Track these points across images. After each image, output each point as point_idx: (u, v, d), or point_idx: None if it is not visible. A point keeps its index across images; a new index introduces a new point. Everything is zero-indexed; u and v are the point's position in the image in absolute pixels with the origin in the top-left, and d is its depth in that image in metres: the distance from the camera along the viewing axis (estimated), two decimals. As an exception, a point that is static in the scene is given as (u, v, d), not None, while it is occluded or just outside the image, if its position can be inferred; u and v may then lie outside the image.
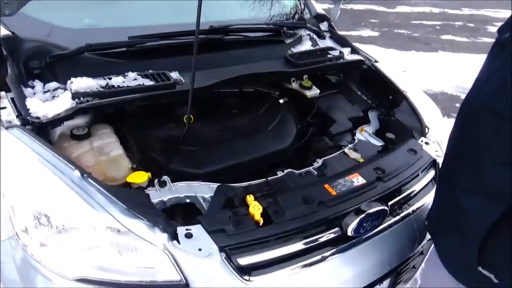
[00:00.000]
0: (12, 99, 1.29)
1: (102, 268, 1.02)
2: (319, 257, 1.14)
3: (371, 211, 1.19)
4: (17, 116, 1.23)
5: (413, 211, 1.36)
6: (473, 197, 0.94)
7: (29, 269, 1.02)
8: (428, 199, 1.40)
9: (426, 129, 1.60)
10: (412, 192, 1.39)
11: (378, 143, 1.63)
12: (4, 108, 1.26)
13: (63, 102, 1.26)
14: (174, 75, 1.45)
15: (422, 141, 1.55)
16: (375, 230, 1.26)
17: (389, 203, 1.28)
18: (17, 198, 1.05)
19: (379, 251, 1.25)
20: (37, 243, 1.03)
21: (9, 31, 1.37)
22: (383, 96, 1.84)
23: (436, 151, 1.52)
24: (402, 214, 1.34)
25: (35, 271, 1.01)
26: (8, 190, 1.07)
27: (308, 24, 2.03)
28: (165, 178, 1.24)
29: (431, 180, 1.46)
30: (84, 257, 1.02)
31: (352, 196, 1.22)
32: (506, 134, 0.85)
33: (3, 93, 1.32)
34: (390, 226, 1.30)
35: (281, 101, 1.74)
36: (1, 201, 1.09)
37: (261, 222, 1.11)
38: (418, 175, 1.42)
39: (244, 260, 1.04)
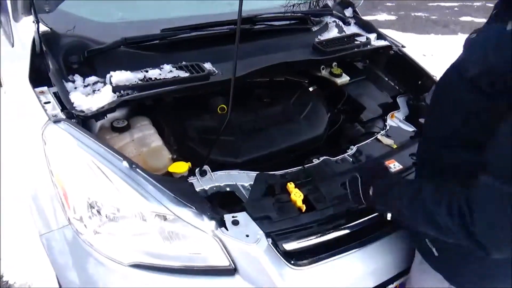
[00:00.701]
0: (54, 93, 1.33)
1: (153, 254, 1.06)
2: (360, 241, 1.16)
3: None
4: (61, 110, 1.26)
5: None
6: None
7: (82, 255, 1.07)
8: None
9: None
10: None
11: (409, 128, 1.64)
12: (48, 102, 1.30)
13: (104, 96, 1.29)
14: (207, 66, 1.47)
15: None
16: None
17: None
18: (70, 189, 1.09)
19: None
20: (91, 231, 1.07)
21: (47, 27, 1.41)
22: (412, 81, 1.84)
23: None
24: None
25: (89, 257, 1.06)
26: (60, 181, 1.11)
27: (333, 11, 2.02)
28: (206, 167, 1.27)
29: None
30: (136, 243, 1.07)
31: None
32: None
33: (45, 88, 1.36)
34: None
35: (310, 89, 1.75)
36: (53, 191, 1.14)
37: (304, 208, 1.13)
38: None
39: (290, 246, 1.08)
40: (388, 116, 1.69)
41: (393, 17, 6.27)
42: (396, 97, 1.83)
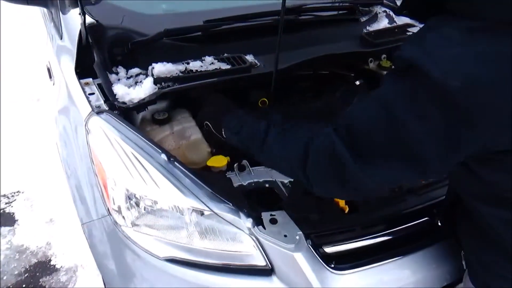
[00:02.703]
0: (98, 85, 1.34)
1: (189, 249, 1.05)
2: (407, 248, 1.08)
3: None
4: (104, 101, 1.28)
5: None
6: None
7: (120, 245, 1.08)
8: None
9: None
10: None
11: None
12: (93, 94, 1.32)
13: (146, 87, 1.28)
14: (249, 58, 1.43)
15: None
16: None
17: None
18: (110, 180, 1.10)
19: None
20: (129, 222, 1.08)
21: (93, 19, 1.43)
22: None
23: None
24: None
25: (127, 248, 1.06)
26: (101, 171, 1.12)
27: (384, 0, 1.91)
28: (245, 162, 1.24)
29: None
30: (172, 237, 1.05)
31: (442, 184, 1.15)
32: None
33: (90, 79, 1.38)
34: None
35: (357, 82, 1.66)
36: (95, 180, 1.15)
37: (347, 209, 1.07)
38: None
39: (330, 249, 1.02)
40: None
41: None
42: None
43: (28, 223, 2.21)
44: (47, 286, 1.91)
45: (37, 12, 2.55)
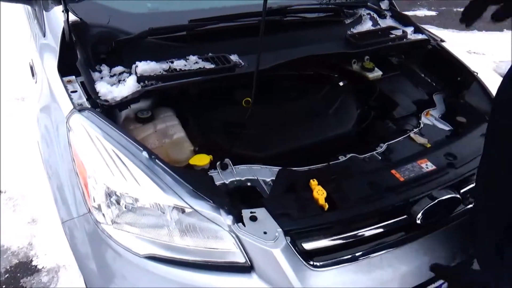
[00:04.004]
0: (81, 83, 1.34)
1: (169, 247, 1.04)
2: (384, 245, 1.09)
3: (442, 198, 1.13)
4: (87, 99, 1.27)
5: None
6: None
7: (100, 244, 1.07)
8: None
9: None
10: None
11: (445, 127, 1.54)
12: (75, 91, 1.31)
13: (129, 86, 1.28)
14: (234, 58, 1.44)
15: None
16: (446, 220, 1.19)
17: (461, 191, 1.20)
18: (90, 177, 1.09)
19: (448, 243, 1.18)
20: (109, 220, 1.07)
21: (77, 17, 1.42)
22: (450, 77, 1.73)
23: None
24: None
25: (107, 246, 1.05)
26: (82, 169, 1.12)
27: (368, 3, 1.94)
28: (227, 161, 1.25)
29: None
30: (153, 235, 1.05)
31: (421, 182, 1.16)
32: None
33: (73, 77, 1.37)
34: (461, 215, 1.22)
35: (341, 83, 1.68)
36: (76, 180, 1.15)
37: (326, 207, 1.08)
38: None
39: (309, 245, 1.03)
40: (422, 113, 1.59)
41: (433, 13, 6.00)
42: (432, 94, 1.73)
43: (10, 224, 2.18)
44: (28, 287, 1.88)
45: (20, 10, 2.52)
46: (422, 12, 6.04)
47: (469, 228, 1.14)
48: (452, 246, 1.18)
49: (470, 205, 1.24)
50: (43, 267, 1.98)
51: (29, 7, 1.89)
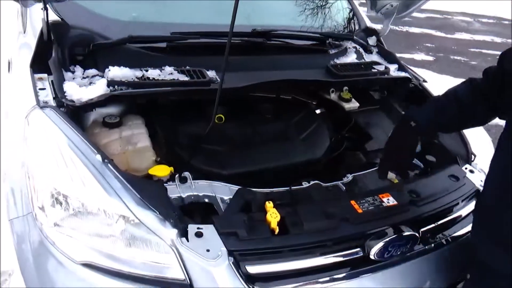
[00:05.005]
0: (52, 82, 1.32)
1: (110, 256, 1.00)
2: (334, 277, 1.05)
3: (399, 235, 1.10)
4: (54, 98, 1.25)
5: (448, 242, 1.24)
6: None
7: (38, 244, 1.02)
8: (467, 231, 1.27)
9: (472, 156, 1.48)
10: (449, 221, 1.27)
11: (416, 165, 1.52)
12: (44, 89, 1.30)
13: (98, 88, 1.27)
14: (211, 73, 1.44)
15: (466, 168, 1.42)
16: (402, 257, 1.15)
17: (421, 230, 1.17)
18: (39, 175, 1.06)
19: (403, 281, 1.14)
20: (51, 222, 1.03)
21: (59, 17, 1.42)
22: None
23: (481, 180, 1.39)
24: (434, 244, 1.22)
25: (43, 247, 1.01)
26: (32, 165, 1.09)
27: (355, 37, 1.96)
28: (186, 174, 1.22)
29: (472, 211, 1.33)
30: (94, 243, 1.01)
31: (379, 216, 1.13)
32: None
33: (45, 75, 1.36)
34: (419, 254, 1.18)
35: (317, 111, 1.68)
36: (23, 179, 1.11)
37: (277, 230, 1.04)
38: (458, 203, 1.29)
39: (253, 269, 0.98)
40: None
41: (431, 58, 6.12)
42: None
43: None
44: (-23, 288, 1.80)
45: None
46: (419, 57, 6.15)
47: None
48: (407, 285, 1.14)
49: (430, 245, 1.21)
50: (-5, 268, 1.90)
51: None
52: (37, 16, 1.50)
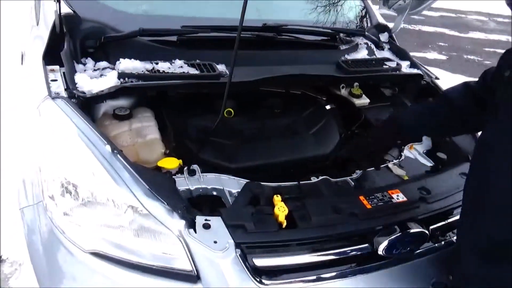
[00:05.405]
0: (64, 73, 1.34)
1: (119, 246, 1.00)
2: (341, 272, 1.04)
3: (408, 231, 1.08)
4: (65, 89, 1.27)
5: (458, 240, 1.22)
6: None
7: (47, 233, 1.03)
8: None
9: None
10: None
11: (427, 163, 1.51)
12: (55, 80, 1.31)
13: (108, 80, 1.28)
14: (221, 67, 1.44)
15: None
16: (411, 255, 1.14)
17: (431, 227, 1.15)
18: (49, 165, 1.07)
19: (411, 279, 1.12)
20: (61, 211, 1.04)
21: (71, 9, 1.44)
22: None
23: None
24: (444, 242, 1.20)
25: (53, 236, 1.02)
26: (43, 156, 1.10)
27: (366, 33, 1.94)
28: (195, 167, 1.22)
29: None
30: (103, 232, 1.02)
31: (388, 212, 1.12)
32: None
33: (57, 66, 1.37)
34: (428, 252, 1.17)
35: (327, 107, 1.66)
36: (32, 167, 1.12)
37: (285, 224, 1.04)
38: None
39: (260, 262, 0.98)
40: (406, 146, 1.56)
41: (443, 57, 6.04)
42: None
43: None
44: (-13, 277, 1.83)
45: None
46: (432, 55, 6.08)
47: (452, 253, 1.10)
48: (415, 283, 1.13)
49: (439, 243, 1.19)
50: (7, 258, 1.93)
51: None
52: (50, 9, 1.51)
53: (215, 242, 0.95)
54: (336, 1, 2.09)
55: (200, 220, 1.00)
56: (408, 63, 1.85)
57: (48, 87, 1.25)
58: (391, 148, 1.48)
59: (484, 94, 1.09)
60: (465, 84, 1.19)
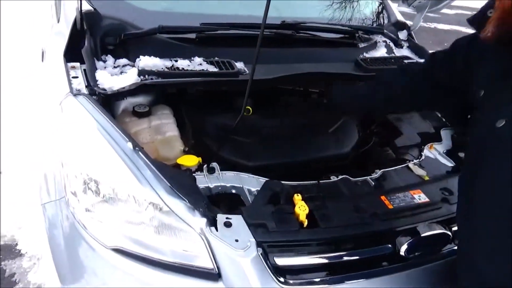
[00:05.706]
0: (84, 70, 1.35)
1: (140, 243, 1.01)
2: (363, 272, 1.03)
3: (430, 233, 1.07)
4: (86, 86, 1.28)
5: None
6: None
7: (69, 229, 1.04)
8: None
9: None
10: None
11: (448, 163, 1.48)
12: (76, 77, 1.32)
13: (129, 78, 1.28)
14: (239, 65, 1.43)
15: None
16: (433, 256, 1.12)
17: (453, 229, 1.13)
18: (71, 161, 1.08)
19: (433, 280, 1.11)
20: (83, 207, 1.05)
21: (92, 6, 1.44)
22: (460, 114, 1.68)
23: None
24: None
25: (75, 232, 1.03)
26: (65, 152, 1.11)
27: (385, 31, 1.92)
28: (214, 164, 1.22)
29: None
30: (125, 229, 1.02)
31: (411, 213, 1.11)
32: None
33: (77, 64, 1.38)
34: (450, 254, 1.15)
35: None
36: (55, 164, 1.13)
37: (306, 223, 1.03)
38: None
39: (281, 261, 0.98)
40: (426, 146, 1.54)
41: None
42: (440, 129, 1.67)
43: (3, 205, 2.18)
44: (7, 270, 1.86)
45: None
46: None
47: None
48: (437, 284, 1.11)
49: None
50: (26, 252, 1.96)
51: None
52: (70, 6, 1.52)
53: (237, 240, 0.95)
54: (355, -1, 2.07)
55: (221, 218, 0.99)
56: (427, 61, 1.82)
57: (70, 84, 1.26)
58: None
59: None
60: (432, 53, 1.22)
